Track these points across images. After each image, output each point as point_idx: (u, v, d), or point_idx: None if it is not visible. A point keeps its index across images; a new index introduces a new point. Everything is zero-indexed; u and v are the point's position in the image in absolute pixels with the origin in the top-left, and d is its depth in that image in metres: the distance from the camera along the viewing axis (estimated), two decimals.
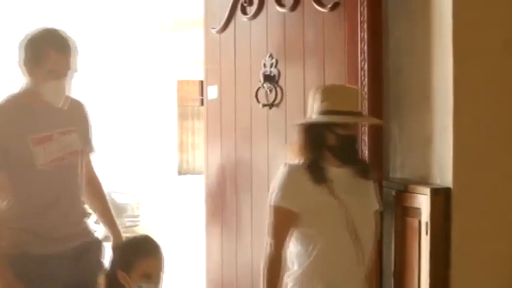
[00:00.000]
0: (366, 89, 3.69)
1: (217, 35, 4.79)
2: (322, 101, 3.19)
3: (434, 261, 3.27)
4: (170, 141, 14.07)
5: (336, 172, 3.20)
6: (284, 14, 4.22)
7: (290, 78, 4.25)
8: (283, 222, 3.16)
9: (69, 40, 3.46)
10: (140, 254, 3.21)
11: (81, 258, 3.49)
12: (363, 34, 3.72)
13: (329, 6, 3.90)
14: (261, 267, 3.20)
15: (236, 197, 4.68)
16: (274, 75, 4.32)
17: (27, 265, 3.35)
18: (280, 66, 4.30)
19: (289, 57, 4.27)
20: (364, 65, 3.71)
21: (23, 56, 3.43)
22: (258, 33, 4.45)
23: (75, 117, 3.58)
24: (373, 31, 3.71)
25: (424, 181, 3.42)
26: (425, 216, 3.26)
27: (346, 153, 3.22)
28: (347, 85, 3.39)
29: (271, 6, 4.29)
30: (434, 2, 3.54)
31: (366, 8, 3.71)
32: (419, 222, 3.32)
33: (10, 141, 3.38)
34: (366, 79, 3.70)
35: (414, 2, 3.67)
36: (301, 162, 3.20)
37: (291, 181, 3.17)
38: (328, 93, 3.22)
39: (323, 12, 3.95)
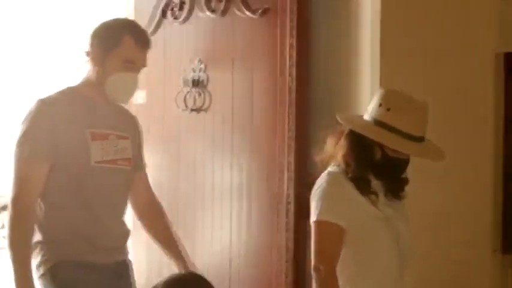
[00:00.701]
0: (294, 94, 3.73)
1: None
2: (387, 109, 2.63)
3: None
4: None
5: (375, 183, 2.72)
6: (214, 19, 4.22)
7: (219, 83, 4.25)
8: (333, 239, 2.64)
9: (148, 35, 3.18)
10: None
11: (123, 276, 3.16)
12: (291, 40, 3.75)
13: (258, 12, 3.93)
14: None
15: (163, 202, 4.64)
16: (202, 80, 4.31)
17: (76, 272, 2.99)
18: (209, 71, 4.30)
19: (218, 62, 4.27)
20: (292, 70, 3.75)
21: (96, 42, 3.05)
22: (187, 37, 4.44)
23: (131, 126, 3.25)
24: (301, 37, 3.75)
25: None
26: None
27: (389, 176, 2.73)
28: (420, 100, 2.73)
29: (201, 11, 4.29)
30: (360, 10, 3.60)
31: (294, 15, 3.74)
32: None
33: (65, 132, 2.97)
34: (294, 84, 3.73)
35: (340, 10, 3.72)
36: (341, 168, 2.71)
37: (336, 191, 2.68)
38: (395, 102, 2.66)
39: (252, 18, 3.97)
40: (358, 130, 2.67)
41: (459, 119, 3.68)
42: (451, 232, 3.57)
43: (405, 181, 2.78)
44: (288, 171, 3.75)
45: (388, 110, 2.63)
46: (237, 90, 4.12)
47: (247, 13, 3.99)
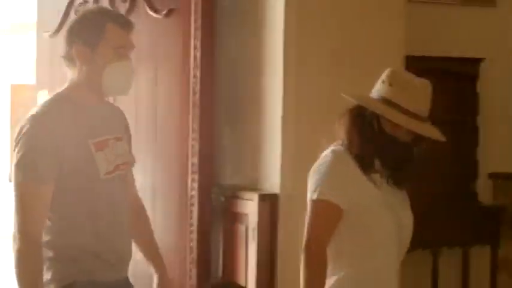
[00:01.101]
0: (197, 96, 3.71)
1: (50, 38, 4.67)
2: (389, 85, 2.59)
3: (261, 267, 3.30)
4: (1, 147, 13.66)
5: (378, 168, 2.62)
6: None
7: None
8: (330, 220, 2.54)
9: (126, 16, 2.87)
10: None
11: None
12: (195, 41, 3.73)
13: (163, 12, 3.90)
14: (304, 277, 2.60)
15: None
16: None
17: None
18: None
19: None
20: (197, 72, 3.72)
21: (77, 40, 2.73)
22: None
23: (122, 124, 2.96)
24: (206, 38, 3.73)
25: (253, 187, 3.46)
26: (252, 222, 3.30)
27: (394, 161, 2.62)
28: (423, 80, 2.65)
29: None
30: (266, 12, 3.60)
31: (199, 16, 3.73)
32: (247, 228, 3.35)
33: (68, 148, 2.68)
34: (199, 86, 3.71)
35: (246, 13, 3.72)
36: (344, 145, 2.59)
37: (340, 170, 2.56)
38: (398, 79, 2.61)
39: (157, 18, 3.94)
40: (357, 101, 2.60)
41: None
42: None
43: (412, 171, 2.68)
44: (192, 173, 3.73)
45: (391, 85, 2.59)
46: (141, 91, 4.08)
47: (152, 13, 3.96)
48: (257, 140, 3.52)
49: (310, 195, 2.56)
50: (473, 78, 4.46)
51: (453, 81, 4.40)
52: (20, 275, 2.63)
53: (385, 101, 2.56)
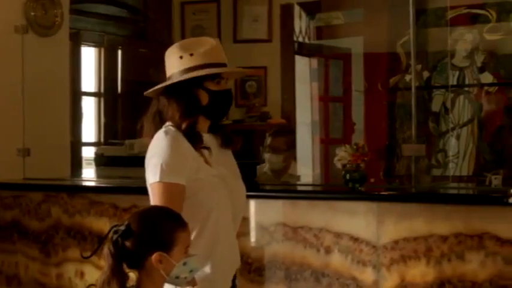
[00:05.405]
0: None
1: None
2: (190, 55, 2.79)
3: None
4: None
5: (207, 138, 2.85)
6: None
7: None
8: (177, 199, 2.66)
9: None
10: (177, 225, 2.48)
11: None
12: None
13: None
14: None
15: None
16: None
17: None
18: None
19: None
20: None
21: None
22: None
23: None
24: None
25: None
26: None
27: (223, 111, 2.89)
28: (208, 37, 2.92)
29: None
30: None
31: None
32: None
33: None
34: None
35: None
36: (174, 125, 2.78)
37: (175, 151, 2.71)
38: (193, 47, 2.82)
39: None
40: (182, 78, 2.77)
41: None
42: None
43: (227, 129, 2.96)
44: None
45: (192, 55, 2.78)
46: None
47: None
48: None
49: (152, 178, 2.69)
50: None
51: None
52: None
53: (197, 67, 2.78)
